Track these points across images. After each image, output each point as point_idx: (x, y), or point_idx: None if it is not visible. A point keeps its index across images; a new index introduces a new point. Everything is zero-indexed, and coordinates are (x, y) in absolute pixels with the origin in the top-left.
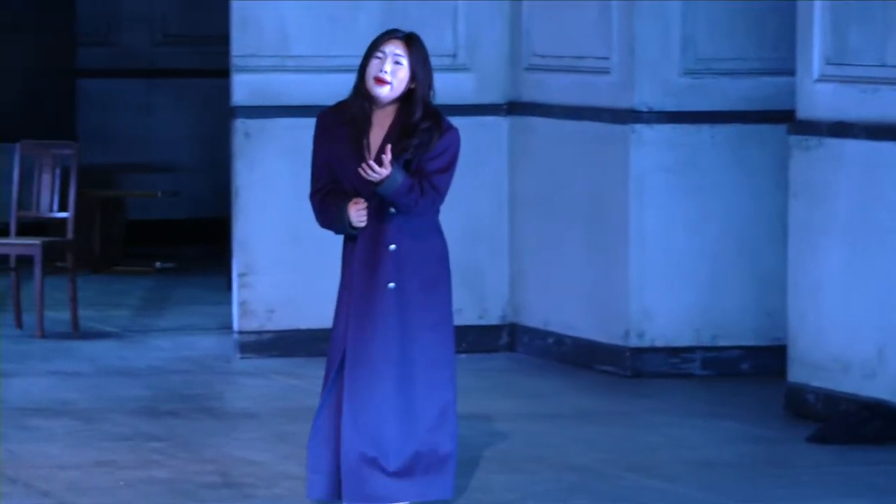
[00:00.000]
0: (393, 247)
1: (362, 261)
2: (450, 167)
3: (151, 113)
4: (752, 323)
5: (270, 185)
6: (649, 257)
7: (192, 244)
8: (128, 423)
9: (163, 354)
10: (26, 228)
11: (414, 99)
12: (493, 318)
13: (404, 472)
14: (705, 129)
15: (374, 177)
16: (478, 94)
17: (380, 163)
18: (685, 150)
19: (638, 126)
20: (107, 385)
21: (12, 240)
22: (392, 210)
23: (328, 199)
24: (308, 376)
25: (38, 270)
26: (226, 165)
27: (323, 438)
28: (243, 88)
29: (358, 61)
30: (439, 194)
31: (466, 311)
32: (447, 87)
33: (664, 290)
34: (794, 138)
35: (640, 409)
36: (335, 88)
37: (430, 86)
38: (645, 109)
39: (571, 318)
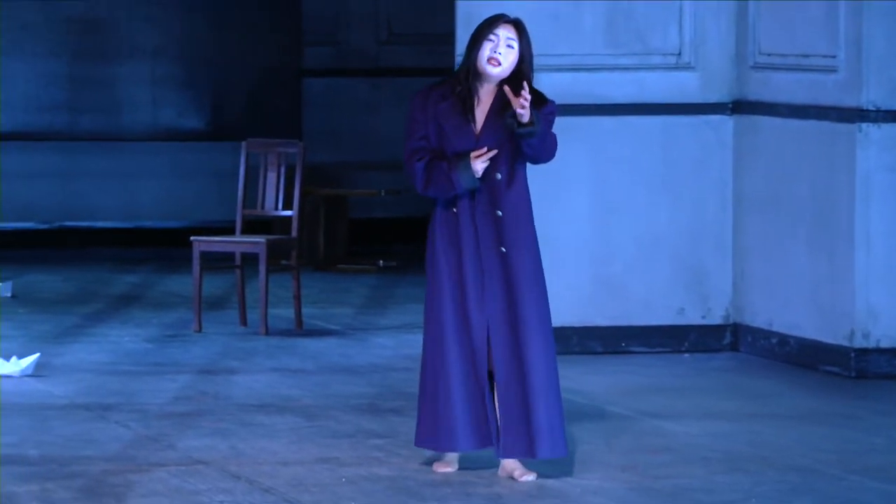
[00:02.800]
0: (500, 213)
1: (473, 223)
2: (553, 116)
3: (376, 112)
4: None
5: None
6: (875, 257)
7: (414, 242)
8: (350, 421)
9: (385, 352)
10: (251, 226)
11: (520, 81)
12: (716, 318)
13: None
14: None
15: (523, 115)
16: (703, 93)
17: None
18: None
19: (865, 125)
20: (329, 382)
21: (238, 238)
22: (498, 176)
23: (434, 164)
24: None
25: (262, 268)
26: None
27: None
28: None
29: (583, 60)
30: (555, 143)
31: (689, 310)
32: (672, 86)
33: (890, 290)
34: None
35: (865, 410)
36: (560, 87)
37: (532, 68)
38: (872, 108)
39: (795, 318)
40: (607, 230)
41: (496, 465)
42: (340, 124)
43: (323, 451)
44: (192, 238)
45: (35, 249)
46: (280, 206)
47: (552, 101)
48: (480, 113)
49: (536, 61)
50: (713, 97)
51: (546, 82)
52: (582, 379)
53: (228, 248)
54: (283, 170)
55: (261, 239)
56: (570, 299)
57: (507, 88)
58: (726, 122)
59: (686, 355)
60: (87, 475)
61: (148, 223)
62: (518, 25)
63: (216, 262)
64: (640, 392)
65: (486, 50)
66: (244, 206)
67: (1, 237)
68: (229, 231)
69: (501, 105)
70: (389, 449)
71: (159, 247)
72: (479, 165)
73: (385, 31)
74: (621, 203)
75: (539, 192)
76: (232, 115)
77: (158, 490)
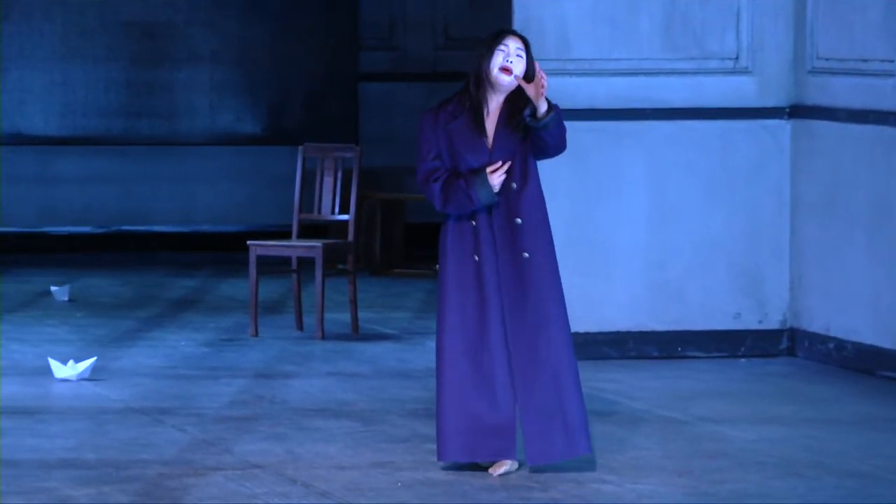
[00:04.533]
0: (519, 220)
1: (492, 233)
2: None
3: None
4: None
5: (549, 188)
6: None
7: None
8: (406, 425)
9: None
10: (308, 231)
11: (522, 94)
12: (773, 323)
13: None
14: None
15: (542, 103)
16: (760, 98)
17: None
18: None
19: None
20: (385, 387)
21: (294, 242)
22: (514, 185)
23: (450, 182)
24: (586, 380)
25: (318, 273)
26: None
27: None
28: None
29: (640, 65)
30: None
31: (746, 315)
32: (729, 90)
33: None
34: None
35: None
36: (616, 91)
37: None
38: None
39: (853, 323)
40: (664, 235)
41: (554, 469)
42: (397, 129)
43: (379, 456)
44: (248, 242)
45: (93, 253)
46: (336, 210)
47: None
48: (490, 126)
49: (594, 66)
50: (770, 102)
51: (603, 87)
52: (638, 384)
53: (285, 253)
54: (339, 174)
55: (317, 243)
56: (627, 304)
57: (521, 82)
58: (784, 127)
59: (742, 360)
60: (144, 479)
61: (205, 227)
62: (525, 39)
63: (273, 266)
64: (697, 397)
65: (497, 58)
66: (301, 211)
67: (59, 241)
68: (286, 235)
69: (510, 115)
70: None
71: (216, 251)
72: (496, 180)
73: (442, 36)
74: (678, 208)
75: (596, 196)
76: (289, 119)
77: (215, 494)
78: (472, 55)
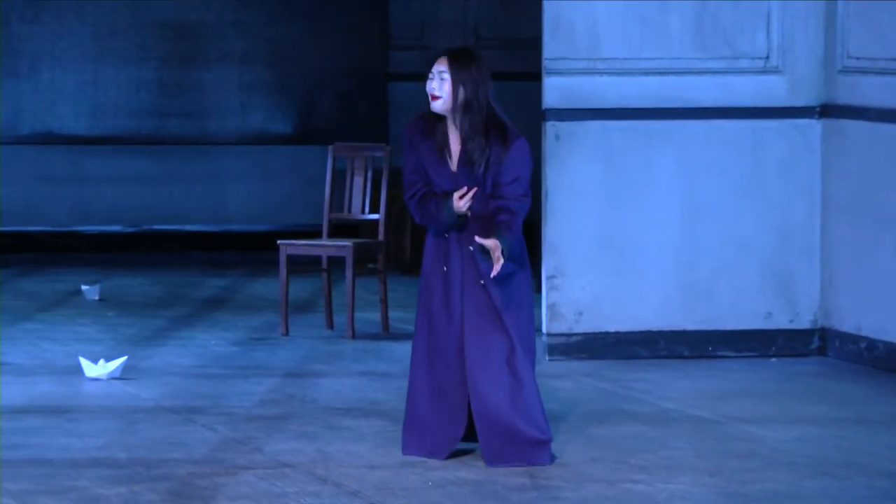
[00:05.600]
0: (471, 248)
1: (461, 248)
2: (521, 177)
3: None
4: None
5: (580, 187)
6: None
7: None
8: None
9: None
10: (338, 230)
11: (468, 113)
12: (804, 323)
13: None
14: None
15: (486, 258)
16: (791, 97)
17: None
18: None
19: None
20: None
21: (324, 241)
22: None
23: (426, 199)
24: (617, 379)
25: (349, 272)
26: (536, 168)
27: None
28: (554, 91)
29: (671, 64)
30: (520, 202)
31: (777, 314)
32: (759, 90)
33: None
34: None
35: None
36: (647, 90)
37: (485, 95)
38: None
39: (884, 323)
40: (695, 234)
41: (580, 469)
42: None
43: (410, 455)
44: (279, 241)
45: (123, 253)
46: (367, 209)
47: (515, 145)
48: (455, 148)
49: (625, 65)
50: (801, 101)
51: (634, 86)
52: (669, 383)
53: (315, 252)
54: (369, 174)
55: (348, 242)
56: (658, 303)
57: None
58: (814, 126)
59: (773, 360)
60: (175, 478)
61: (235, 227)
62: (452, 56)
63: (303, 265)
64: (727, 396)
65: (428, 86)
66: (331, 210)
67: (89, 241)
68: (316, 235)
69: (466, 153)
70: (476, 452)
71: (246, 250)
72: (460, 204)
73: (472, 36)
74: (709, 207)
75: (626, 195)
76: (319, 119)
77: (245, 493)
78: None
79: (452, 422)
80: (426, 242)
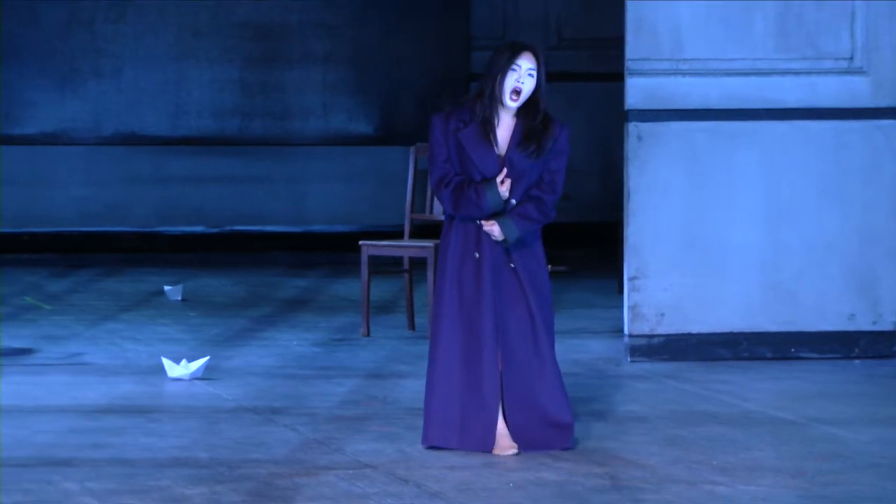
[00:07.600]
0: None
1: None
2: (563, 166)
3: None
4: None
5: (662, 188)
6: None
7: (584, 247)
8: None
9: None
10: (420, 230)
11: (535, 106)
12: (887, 324)
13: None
14: None
15: (496, 236)
16: (874, 98)
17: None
18: None
19: None
20: None
21: (406, 242)
22: (513, 201)
23: (462, 186)
24: (699, 381)
25: (430, 273)
26: (618, 169)
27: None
28: (637, 92)
29: (754, 64)
30: (556, 193)
31: (860, 316)
32: (842, 91)
33: None
34: None
35: None
36: (729, 91)
37: (545, 93)
38: None
39: None
40: (778, 235)
41: (661, 471)
42: None
43: (490, 456)
44: (360, 242)
45: (205, 253)
46: None
47: (564, 133)
48: (502, 137)
49: (707, 66)
50: (885, 102)
51: (717, 86)
52: (751, 385)
53: (397, 253)
54: None
55: (429, 243)
56: (740, 304)
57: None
58: None
59: (856, 361)
60: (256, 478)
61: (317, 227)
62: (536, 53)
63: (385, 266)
64: (810, 398)
65: (510, 80)
66: (413, 211)
67: (172, 241)
68: (398, 235)
69: (523, 138)
70: (557, 454)
71: (328, 251)
72: (505, 188)
73: (554, 36)
74: (792, 208)
75: (709, 196)
76: (401, 119)
77: (326, 494)
78: (488, 65)
79: (487, 410)
80: (450, 232)
